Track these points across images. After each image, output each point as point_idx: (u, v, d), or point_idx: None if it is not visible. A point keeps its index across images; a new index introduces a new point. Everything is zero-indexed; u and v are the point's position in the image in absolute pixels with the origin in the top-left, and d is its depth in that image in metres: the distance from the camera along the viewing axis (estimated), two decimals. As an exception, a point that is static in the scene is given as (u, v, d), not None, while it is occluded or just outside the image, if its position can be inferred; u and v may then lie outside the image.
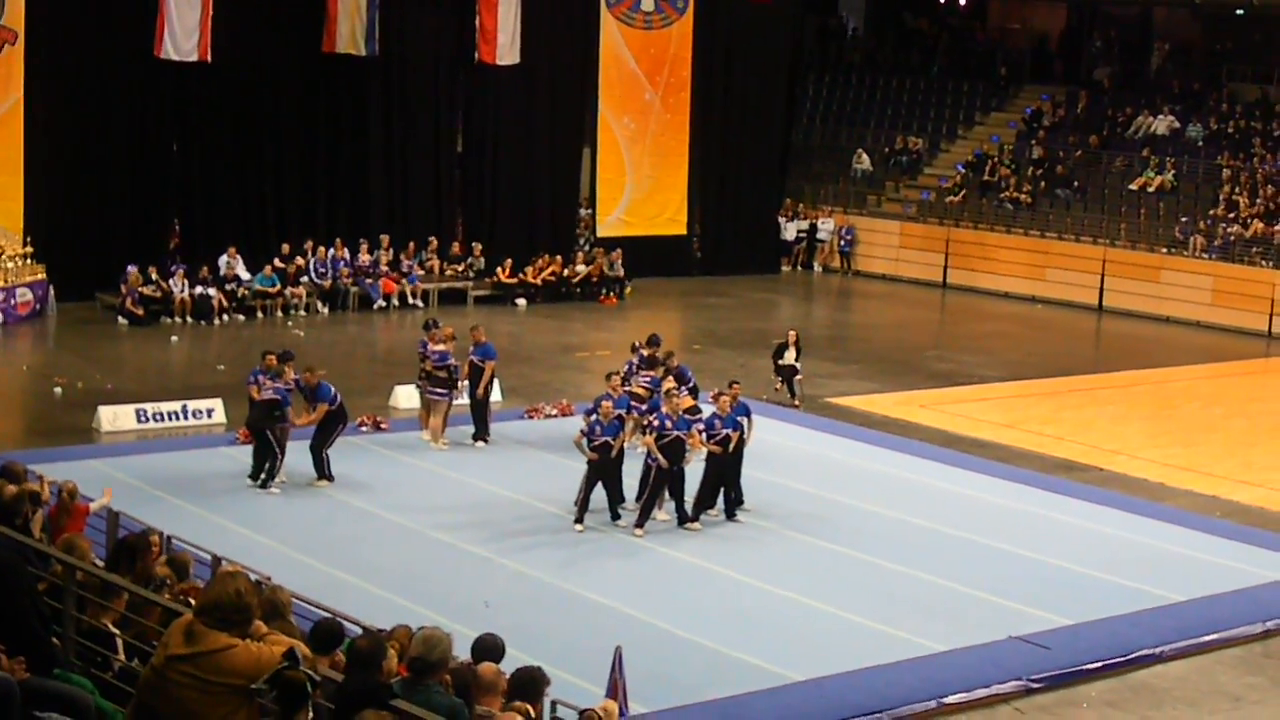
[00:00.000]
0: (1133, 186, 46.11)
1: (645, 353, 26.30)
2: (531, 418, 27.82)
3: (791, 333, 30.65)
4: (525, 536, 21.41)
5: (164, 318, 35.37)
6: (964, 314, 43.90)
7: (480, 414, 26.08)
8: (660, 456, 21.65)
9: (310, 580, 17.82)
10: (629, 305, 41.72)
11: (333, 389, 23.42)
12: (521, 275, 40.89)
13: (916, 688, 16.81)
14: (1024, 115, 51.13)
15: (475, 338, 26.30)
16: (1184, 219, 43.76)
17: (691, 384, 25.17)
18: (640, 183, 45.62)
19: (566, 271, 41.74)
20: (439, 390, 25.75)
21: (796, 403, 29.81)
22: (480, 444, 25.92)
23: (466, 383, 26.15)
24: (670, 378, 24.63)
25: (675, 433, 21.81)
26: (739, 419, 22.52)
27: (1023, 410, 31.16)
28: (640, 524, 21.71)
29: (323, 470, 23.33)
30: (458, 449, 25.57)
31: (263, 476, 22.88)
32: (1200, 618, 19.49)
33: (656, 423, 21.95)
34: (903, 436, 28.15)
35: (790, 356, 30.02)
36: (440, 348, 25.71)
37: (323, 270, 38.20)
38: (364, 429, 26.21)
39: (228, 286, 36.47)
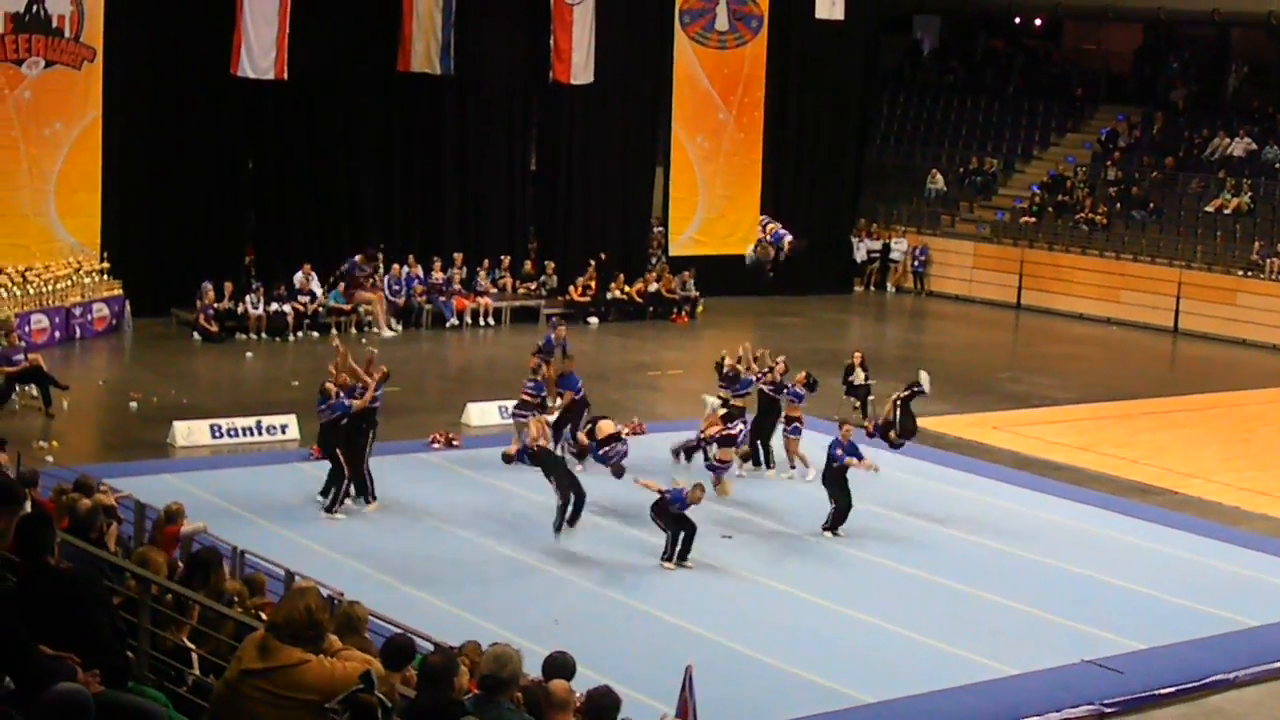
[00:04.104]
0: (1209, 208, 45.75)
1: (744, 356, 26.93)
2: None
3: (857, 354, 30.62)
4: (596, 554, 21.44)
5: (238, 334, 35.62)
6: (1038, 335, 43.63)
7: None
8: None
9: (382, 596, 17.89)
10: (701, 324, 41.70)
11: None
12: (589, 292, 40.96)
13: (988, 711, 16.75)
14: (1099, 136, 50.81)
15: (566, 368, 26.42)
16: (1261, 241, 43.38)
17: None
18: (713, 202, 45.54)
19: (638, 285, 41.78)
20: (524, 415, 25.83)
21: (867, 423, 29.67)
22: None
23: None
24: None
25: None
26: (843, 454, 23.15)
27: (1096, 433, 30.94)
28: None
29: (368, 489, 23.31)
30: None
31: (327, 500, 22.86)
32: (1275, 643, 19.31)
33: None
34: (975, 458, 28.06)
35: (860, 377, 29.96)
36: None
37: (396, 287, 38.36)
38: (436, 446, 26.30)
39: (302, 299, 36.63)
